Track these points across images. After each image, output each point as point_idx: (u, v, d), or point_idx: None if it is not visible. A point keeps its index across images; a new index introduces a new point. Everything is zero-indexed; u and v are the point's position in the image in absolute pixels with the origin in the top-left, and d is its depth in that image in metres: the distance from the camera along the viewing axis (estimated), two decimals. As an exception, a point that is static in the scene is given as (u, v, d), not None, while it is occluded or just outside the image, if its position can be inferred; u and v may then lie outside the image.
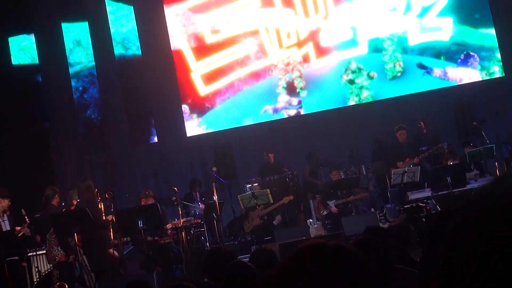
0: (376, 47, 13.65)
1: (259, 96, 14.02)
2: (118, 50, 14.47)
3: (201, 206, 11.73)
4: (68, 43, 14.22)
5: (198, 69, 14.24)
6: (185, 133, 14.23)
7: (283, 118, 13.96)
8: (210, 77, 14.19)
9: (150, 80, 14.28)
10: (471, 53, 13.38)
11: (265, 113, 13.97)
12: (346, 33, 13.72)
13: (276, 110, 13.96)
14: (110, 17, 14.39)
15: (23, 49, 14.08)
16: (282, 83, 13.97)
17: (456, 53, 13.43)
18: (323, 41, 13.80)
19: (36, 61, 13.91)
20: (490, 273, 0.82)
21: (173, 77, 14.25)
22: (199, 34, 14.30)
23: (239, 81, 14.12)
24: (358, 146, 13.09)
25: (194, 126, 14.26)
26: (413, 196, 10.57)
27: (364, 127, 13.31)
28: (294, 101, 13.97)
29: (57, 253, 9.20)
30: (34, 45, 13.90)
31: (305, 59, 13.90)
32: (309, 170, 12.84)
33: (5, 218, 9.37)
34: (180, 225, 10.34)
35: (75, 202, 9.76)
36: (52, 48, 13.84)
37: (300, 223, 12.01)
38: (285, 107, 13.94)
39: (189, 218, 11.00)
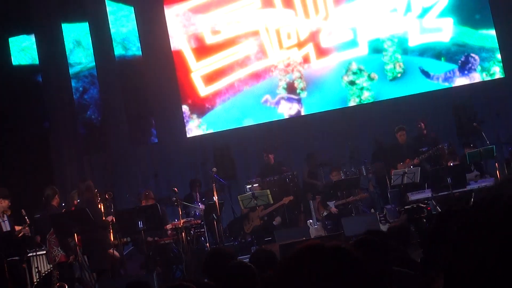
0: (376, 48, 13.65)
1: (259, 97, 14.02)
2: (118, 51, 14.46)
3: (201, 206, 11.74)
4: (68, 44, 14.22)
5: (198, 70, 14.24)
6: (185, 133, 14.23)
7: (283, 119, 13.96)
8: (210, 78, 14.19)
9: (150, 81, 14.28)
10: (472, 54, 13.38)
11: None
12: (347, 34, 13.72)
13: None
14: (110, 18, 14.39)
15: (24, 49, 14.08)
16: (282, 83, 13.97)
17: (457, 54, 13.43)
18: (323, 42, 13.80)
19: (36, 61, 13.91)
20: (495, 273, 0.82)
21: (173, 77, 14.25)
22: (199, 35, 14.30)
23: (239, 82, 14.12)
24: (358, 147, 13.08)
25: (194, 127, 14.27)
26: (413, 197, 10.57)
27: (364, 128, 13.31)
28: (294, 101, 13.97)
29: (57, 254, 9.19)
30: (35, 46, 13.89)
31: (305, 59, 13.90)
32: (308, 171, 12.85)
33: (5, 218, 9.36)
34: (180, 226, 10.34)
35: (76, 203, 9.75)
36: (52, 48, 13.83)
37: (300, 223, 12.01)
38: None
39: (189, 219, 11.00)
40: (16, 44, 14.07)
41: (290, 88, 13.94)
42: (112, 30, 14.35)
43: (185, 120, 14.25)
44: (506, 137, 12.76)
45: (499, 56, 13.27)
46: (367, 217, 10.88)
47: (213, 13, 14.18)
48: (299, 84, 13.91)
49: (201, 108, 14.26)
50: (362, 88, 13.69)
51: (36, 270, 9.32)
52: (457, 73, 13.42)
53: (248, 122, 14.04)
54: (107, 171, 13.82)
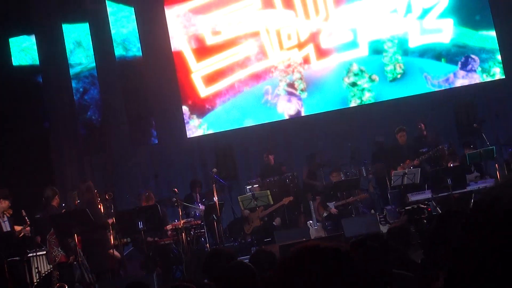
0: (377, 49, 13.65)
1: (259, 98, 14.02)
2: (118, 51, 14.47)
3: (201, 207, 11.74)
4: (69, 44, 14.22)
5: (198, 71, 14.24)
6: (186, 134, 14.23)
7: (283, 120, 13.96)
8: (211, 79, 14.20)
9: (151, 81, 14.28)
10: (472, 55, 13.38)
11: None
12: (347, 35, 13.72)
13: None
14: (110, 18, 14.39)
15: (24, 50, 14.08)
16: (283, 84, 13.97)
17: (457, 55, 13.43)
18: (324, 42, 13.80)
19: (37, 62, 13.91)
20: (497, 273, 0.82)
21: (174, 78, 14.25)
22: (200, 36, 14.30)
23: (239, 83, 14.12)
24: (359, 147, 13.09)
25: (194, 127, 14.27)
26: (413, 197, 10.57)
27: (364, 129, 13.31)
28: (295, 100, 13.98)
29: (57, 254, 9.19)
30: (35, 46, 13.89)
31: (306, 60, 13.90)
32: (308, 172, 12.85)
33: (5, 219, 9.37)
34: (180, 226, 10.34)
35: (76, 203, 9.76)
36: (52, 49, 13.84)
37: (300, 224, 12.01)
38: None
39: (189, 219, 11.00)
40: (17, 45, 14.07)
41: (291, 89, 13.94)
42: (113, 31, 14.35)
43: (185, 121, 14.25)
44: (505, 138, 12.76)
45: (499, 57, 13.28)
46: (367, 218, 10.88)
47: (214, 14, 14.19)
48: (299, 85, 13.91)
49: (201, 108, 14.26)
50: (363, 90, 13.69)
51: (36, 270, 9.33)
52: (457, 74, 13.42)
53: (249, 122, 14.04)
54: (107, 171, 13.81)
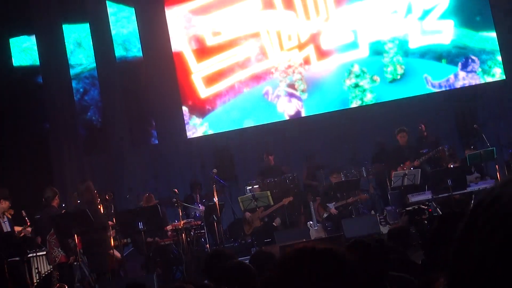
0: (377, 50, 13.65)
1: (259, 98, 14.03)
2: (119, 52, 14.47)
3: (201, 208, 11.74)
4: (69, 45, 14.22)
5: (198, 71, 14.24)
6: (186, 135, 14.23)
7: (284, 120, 13.96)
8: (211, 79, 14.20)
9: (151, 82, 14.29)
10: (472, 56, 13.38)
11: (266, 105, 13.95)
12: (347, 35, 13.72)
13: (277, 96, 13.93)
14: (111, 19, 14.39)
15: (24, 50, 14.09)
16: (283, 85, 13.97)
17: (457, 56, 13.43)
18: (324, 43, 13.80)
19: (37, 62, 13.91)
20: (499, 275, 0.82)
21: (174, 79, 14.25)
22: (200, 36, 14.30)
23: (239, 83, 14.12)
24: (359, 148, 13.09)
25: (194, 128, 14.27)
26: (413, 198, 10.57)
27: (365, 130, 13.31)
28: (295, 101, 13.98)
29: (58, 254, 9.19)
30: (35, 47, 13.90)
31: (306, 61, 13.90)
32: (307, 172, 12.85)
33: (5, 219, 9.37)
34: (180, 227, 10.34)
35: (77, 203, 9.76)
36: (53, 49, 13.84)
37: (300, 225, 12.01)
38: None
39: (189, 220, 11.01)
40: (17, 45, 14.08)
41: (291, 89, 13.94)
42: (113, 31, 14.36)
43: (185, 121, 14.25)
44: (506, 139, 12.77)
45: (499, 58, 13.29)
46: (367, 219, 10.88)
47: (214, 15, 14.19)
48: (299, 86, 13.91)
49: (201, 109, 14.26)
50: (364, 90, 13.69)
51: (36, 270, 9.33)
52: (458, 75, 13.42)
53: (249, 123, 14.04)
54: (107, 172, 13.81)
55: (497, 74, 13.34)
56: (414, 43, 13.53)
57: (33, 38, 13.97)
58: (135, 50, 14.67)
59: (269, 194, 11.24)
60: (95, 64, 14.22)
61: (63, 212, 9.71)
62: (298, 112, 13.97)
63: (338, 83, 13.77)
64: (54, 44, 13.84)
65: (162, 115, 14.49)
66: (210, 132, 14.19)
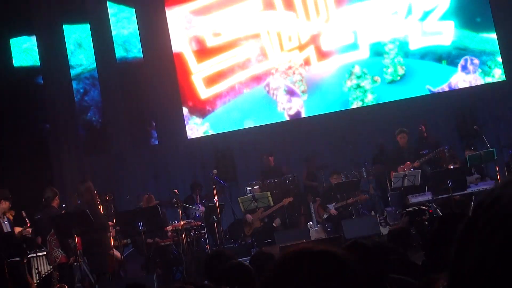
0: (377, 51, 13.65)
1: (260, 99, 14.03)
2: (119, 53, 14.48)
3: (201, 208, 11.74)
4: (70, 45, 14.23)
5: (199, 72, 14.24)
6: (186, 135, 14.23)
7: (284, 121, 13.96)
8: (211, 80, 14.20)
9: (151, 83, 14.29)
10: (472, 57, 13.39)
11: (266, 105, 13.96)
12: (348, 36, 13.73)
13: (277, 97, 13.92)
14: (111, 20, 14.40)
15: (25, 51, 14.09)
16: (283, 86, 13.97)
17: (457, 57, 13.43)
18: (324, 44, 13.81)
19: (38, 63, 13.92)
20: (499, 276, 0.82)
21: (174, 79, 14.26)
22: (201, 37, 14.31)
23: (240, 84, 14.12)
24: (359, 149, 13.09)
25: (194, 129, 14.27)
26: (413, 199, 10.56)
27: (365, 130, 13.32)
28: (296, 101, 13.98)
29: (58, 255, 9.19)
30: (36, 47, 13.91)
31: (306, 62, 13.90)
32: (307, 173, 12.85)
33: (5, 219, 9.37)
34: (180, 227, 10.34)
35: (77, 204, 9.76)
36: (53, 50, 13.85)
37: (300, 226, 12.01)
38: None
39: (189, 220, 11.00)
40: (17, 45, 14.08)
41: (291, 90, 13.95)
42: (113, 32, 14.36)
43: (185, 122, 14.25)
44: (506, 140, 12.77)
45: (499, 59, 13.29)
46: (368, 220, 10.88)
47: (214, 15, 14.19)
48: (300, 87, 13.92)
49: (201, 110, 14.26)
50: (365, 91, 13.69)
51: (37, 271, 9.33)
52: (458, 76, 13.43)
53: (249, 124, 14.04)
54: (108, 172, 13.82)
55: (497, 75, 13.34)
56: (415, 44, 13.53)
57: (33, 39, 13.98)
58: (136, 51, 14.67)
59: (269, 194, 11.24)
60: (95, 65, 14.23)
61: (63, 212, 9.71)
62: (299, 113, 13.97)
63: (338, 84, 13.77)
64: (55, 45, 13.86)
65: (163, 116, 14.49)
66: (211, 132, 14.19)
